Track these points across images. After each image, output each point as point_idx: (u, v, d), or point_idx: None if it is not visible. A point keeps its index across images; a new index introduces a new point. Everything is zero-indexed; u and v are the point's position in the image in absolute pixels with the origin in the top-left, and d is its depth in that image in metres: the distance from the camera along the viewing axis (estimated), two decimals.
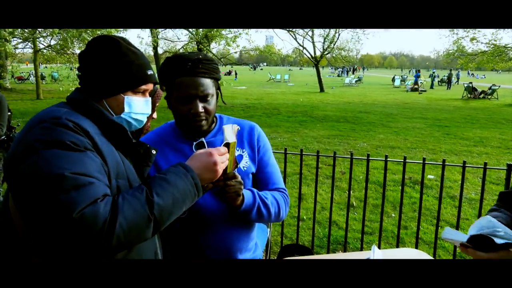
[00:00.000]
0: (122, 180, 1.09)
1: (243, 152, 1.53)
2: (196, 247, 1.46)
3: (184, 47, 14.09)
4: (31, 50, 18.42)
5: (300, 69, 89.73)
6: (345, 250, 3.45)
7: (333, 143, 9.19)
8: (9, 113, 4.01)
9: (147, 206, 0.97)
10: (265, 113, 14.32)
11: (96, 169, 0.99)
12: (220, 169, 1.15)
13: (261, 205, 1.42)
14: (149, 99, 1.25)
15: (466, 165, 2.96)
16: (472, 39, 21.79)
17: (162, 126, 1.58)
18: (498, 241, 1.20)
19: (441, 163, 3.03)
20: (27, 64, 48.97)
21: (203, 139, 1.49)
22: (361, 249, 3.36)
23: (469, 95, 22.44)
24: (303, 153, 3.29)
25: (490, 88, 22.25)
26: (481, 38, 21.76)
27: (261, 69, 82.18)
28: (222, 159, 1.16)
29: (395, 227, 4.27)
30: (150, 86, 1.23)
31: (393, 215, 4.81)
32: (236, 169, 1.34)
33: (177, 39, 16.21)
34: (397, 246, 3.40)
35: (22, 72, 28.86)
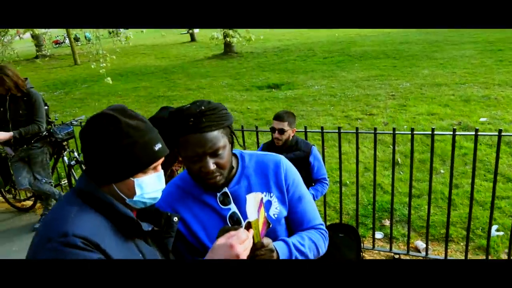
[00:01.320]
0: None
1: (271, 196, 1.40)
2: None
3: None
4: None
5: None
6: (391, 219, 3.34)
7: (373, 86, 8.72)
8: (46, 107, 4.08)
9: None
10: (300, 56, 13.76)
11: None
12: (244, 257, 1.08)
13: (298, 256, 1.34)
14: (161, 172, 1.16)
15: None
16: None
17: (181, 176, 1.47)
18: None
19: (497, 133, 2.73)
20: None
21: (226, 190, 1.38)
22: (409, 216, 3.21)
23: None
24: (341, 131, 3.09)
25: None
26: None
27: None
28: (245, 246, 1.08)
29: (445, 187, 4.06)
30: (161, 161, 1.13)
31: (442, 171, 4.57)
32: (267, 230, 1.26)
33: None
34: (449, 209, 3.21)
35: (57, 36, 29.27)
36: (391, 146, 5.48)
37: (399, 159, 4.91)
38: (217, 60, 14.90)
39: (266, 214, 1.32)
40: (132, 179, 1.07)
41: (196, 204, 1.38)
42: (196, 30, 23.76)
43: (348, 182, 4.50)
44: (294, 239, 1.36)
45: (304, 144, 2.95)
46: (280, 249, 1.29)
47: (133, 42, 24.70)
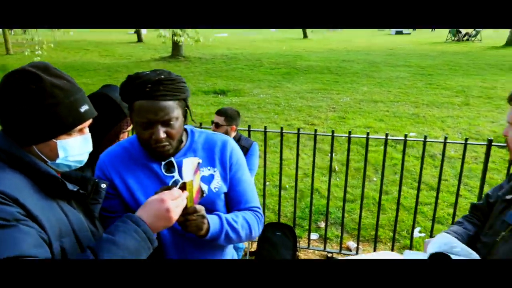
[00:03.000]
0: (66, 238, 1.03)
1: (214, 171, 1.45)
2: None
3: None
4: None
5: None
6: (326, 221, 3.50)
7: (316, 98, 9.09)
8: None
9: None
10: (248, 65, 13.96)
11: (32, 243, 0.91)
12: (175, 214, 1.09)
13: (229, 231, 1.37)
14: (88, 135, 1.14)
15: (447, 141, 2.93)
16: None
17: (130, 140, 1.48)
18: (455, 257, 1.26)
19: (423, 139, 2.99)
20: None
21: (172, 159, 1.41)
22: (342, 218, 3.39)
23: (453, 38, 22.20)
24: (283, 131, 3.20)
25: (474, 30, 21.98)
26: None
27: None
28: (176, 203, 1.10)
29: (376, 193, 4.34)
30: (87, 123, 1.11)
31: (374, 179, 4.88)
32: (201, 199, 1.30)
33: None
34: (378, 213, 3.45)
35: None
36: (329, 154, 5.75)
37: (336, 167, 5.15)
38: (163, 63, 14.64)
39: (202, 183, 1.37)
40: (55, 140, 1.04)
41: (141, 168, 1.40)
42: (143, 31, 23.18)
43: (287, 186, 4.64)
44: (228, 215, 1.41)
45: (246, 141, 3.01)
46: (212, 219, 1.33)
47: (75, 36, 23.58)
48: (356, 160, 5.39)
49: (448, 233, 1.43)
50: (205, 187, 1.40)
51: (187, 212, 1.20)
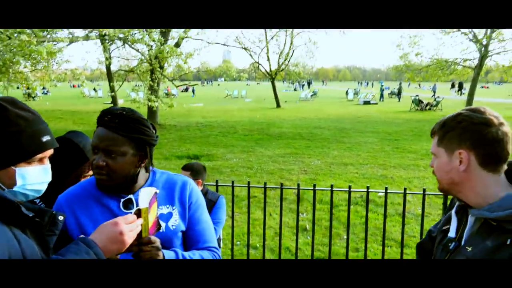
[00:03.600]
0: None
1: (173, 209, 1.47)
2: None
3: (137, 68, 13.81)
4: None
5: (257, 83, 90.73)
6: None
7: (288, 162, 9.28)
8: None
9: None
10: (222, 132, 14.26)
11: None
12: (129, 238, 1.10)
13: None
14: (48, 166, 1.16)
15: (407, 192, 3.05)
16: (417, 54, 23.05)
17: (91, 179, 1.50)
18: None
19: (384, 191, 3.10)
20: None
21: (131, 196, 1.42)
22: None
23: (416, 107, 23.62)
24: (250, 185, 3.26)
25: (435, 100, 23.58)
26: (424, 53, 23.11)
27: (218, 84, 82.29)
28: (130, 228, 1.11)
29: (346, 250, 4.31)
30: (48, 153, 1.14)
31: (345, 237, 4.87)
32: (157, 232, 1.29)
33: (132, 57, 15.84)
34: None
35: None
36: (300, 214, 5.75)
37: (307, 226, 5.15)
38: None
39: (160, 220, 1.38)
40: (14, 168, 1.06)
41: (97, 206, 1.41)
42: (120, 101, 23.65)
43: (258, 245, 4.56)
44: (185, 252, 1.41)
45: (212, 194, 3.04)
46: (168, 254, 1.32)
47: (51, 106, 23.68)
48: (327, 219, 5.40)
49: None
50: (162, 224, 1.41)
51: (141, 242, 1.21)
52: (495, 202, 1.16)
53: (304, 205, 6.01)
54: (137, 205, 1.40)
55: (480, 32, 21.12)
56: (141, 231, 1.19)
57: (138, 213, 1.17)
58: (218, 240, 3.23)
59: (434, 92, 35.64)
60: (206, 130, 14.71)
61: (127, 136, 1.33)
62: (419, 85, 63.25)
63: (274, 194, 6.39)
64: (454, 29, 21.21)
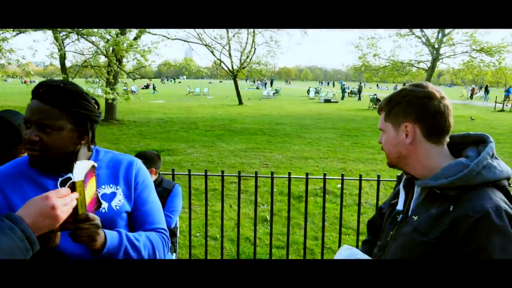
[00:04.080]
0: None
1: (117, 189, 1.38)
2: None
3: (92, 61, 13.25)
4: None
5: (220, 82, 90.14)
6: None
7: (249, 156, 9.26)
8: None
9: None
10: (183, 127, 14.04)
11: None
12: (62, 213, 1.01)
13: (129, 248, 1.27)
14: None
15: (362, 178, 3.12)
16: (375, 55, 23.82)
17: (23, 157, 1.38)
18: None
19: (340, 177, 3.15)
20: None
21: (70, 175, 1.31)
22: None
23: (374, 106, 24.40)
24: (207, 173, 3.20)
25: None
26: (382, 54, 23.92)
27: (179, 82, 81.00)
28: (64, 201, 1.02)
29: (308, 239, 4.36)
30: None
31: (304, 226, 4.91)
32: (96, 211, 1.20)
33: (87, 51, 15.11)
34: (304, 257, 3.46)
35: None
36: (261, 206, 5.74)
37: (267, 216, 5.15)
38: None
39: (103, 200, 1.28)
40: None
41: (31, 185, 1.29)
42: None
43: (218, 236, 4.50)
44: (130, 233, 1.32)
45: (168, 183, 2.95)
46: (110, 233, 1.23)
47: (1, 102, 22.25)
48: (286, 210, 5.42)
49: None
50: (105, 204, 1.32)
51: (78, 219, 1.12)
52: (439, 172, 1.20)
53: (265, 197, 6.01)
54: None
55: (432, 36, 22.13)
56: (77, 207, 1.10)
57: (73, 187, 1.07)
58: (175, 229, 3.14)
59: None
60: (167, 126, 14.42)
61: (63, 109, 1.22)
62: (377, 85, 65.59)
63: (234, 187, 6.35)
64: (409, 32, 22.12)
